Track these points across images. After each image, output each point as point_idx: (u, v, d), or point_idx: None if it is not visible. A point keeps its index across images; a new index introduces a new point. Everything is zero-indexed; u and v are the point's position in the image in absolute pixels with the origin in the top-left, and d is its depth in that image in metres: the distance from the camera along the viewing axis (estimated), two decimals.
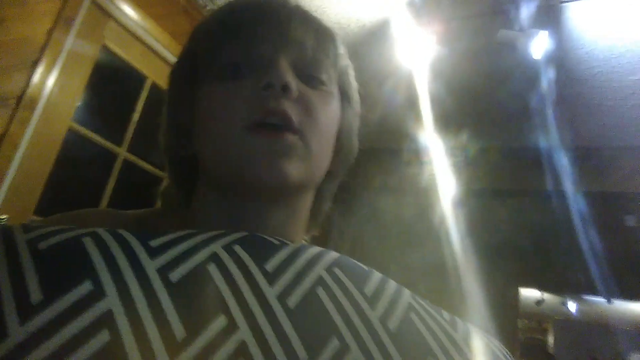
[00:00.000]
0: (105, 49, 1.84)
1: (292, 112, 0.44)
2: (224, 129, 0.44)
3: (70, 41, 1.66)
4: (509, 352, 0.48)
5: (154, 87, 2.07)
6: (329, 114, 0.48)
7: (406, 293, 0.42)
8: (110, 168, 1.92)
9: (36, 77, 1.54)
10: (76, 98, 1.74)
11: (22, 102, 1.49)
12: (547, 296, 5.85)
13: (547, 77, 2.02)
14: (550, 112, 2.25)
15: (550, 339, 6.37)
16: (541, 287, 5.44)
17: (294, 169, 0.43)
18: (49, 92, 1.60)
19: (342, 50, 0.52)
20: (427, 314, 0.42)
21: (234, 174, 0.43)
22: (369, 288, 0.39)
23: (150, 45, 2.00)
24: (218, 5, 0.53)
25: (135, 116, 1.99)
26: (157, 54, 2.04)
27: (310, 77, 0.47)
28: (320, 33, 0.49)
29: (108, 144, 1.91)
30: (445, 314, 0.45)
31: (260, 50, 0.46)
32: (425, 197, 2.82)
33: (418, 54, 2.00)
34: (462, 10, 1.83)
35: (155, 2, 1.93)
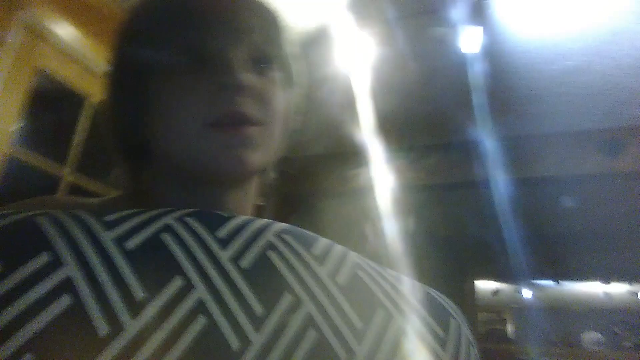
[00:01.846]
0: (41, 71, 1.79)
1: (250, 109, 0.45)
2: (182, 125, 0.45)
3: (1, 65, 1.61)
4: (455, 306, 0.51)
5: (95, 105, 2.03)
6: (279, 100, 0.50)
7: (352, 254, 0.45)
8: (54, 191, 1.86)
9: None
10: (13, 123, 1.68)
11: None
12: (502, 286, 6.08)
13: (479, 72, 2.14)
14: (484, 106, 2.38)
15: (510, 328, 6.60)
16: (495, 278, 5.66)
17: (254, 158, 0.45)
18: None
19: (285, 32, 0.53)
20: (374, 270, 0.45)
21: (194, 166, 0.45)
22: (317, 249, 0.42)
23: (86, 64, 1.96)
24: None
25: (78, 136, 1.94)
26: (94, 73, 2.00)
27: (260, 62, 0.48)
28: (269, 19, 0.50)
29: (51, 167, 1.85)
30: (391, 271, 0.48)
31: (214, 41, 0.46)
32: (370, 198, 2.88)
33: (358, 58, 2.07)
34: (398, 10, 1.91)
35: (90, 20, 1.90)
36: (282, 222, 0.51)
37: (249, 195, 0.52)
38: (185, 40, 0.46)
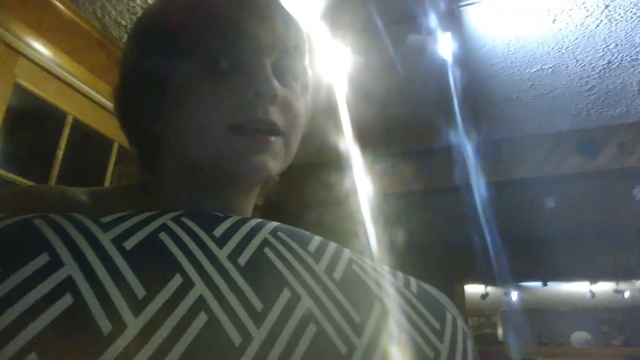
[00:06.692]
0: (19, 87, 1.77)
1: (278, 118, 0.46)
2: (206, 125, 0.44)
3: None
4: (449, 300, 0.52)
5: (76, 122, 2.01)
6: (302, 109, 0.51)
7: (347, 250, 0.45)
8: None
9: None
10: None
11: None
12: (491, 290, 6.12)
13: (456, 78, 2.18)
14: (462, 111, 2.41)
15: (500, 331, 6.64)
16: (483, 282, 5.70)
17: (274, 165, 0.46)
18: None
19: (306, 44, 0.54)
20: (368, 266, 0.45)
21: (214, 167, 0.46)
22: (312, 246, 0.42)
23: (67, 81, 1.94)
24: None
25: (60, 154, 1.92)
26: (75, 89, 1.98)
27: (286, 74, 0.49)
28: (297, 30, 0.51)
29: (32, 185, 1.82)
30: (385, 267, 0.49)
31: (247, 48, 0.46)
32: (353, 207, 2.88)
33: (335, 67, 2.08)
34: (373, 19, 1.94)
35: (68, 36, 1.88)
36: None
37: (253, 197, 0.53)
38: (217, 41, 0.46)
